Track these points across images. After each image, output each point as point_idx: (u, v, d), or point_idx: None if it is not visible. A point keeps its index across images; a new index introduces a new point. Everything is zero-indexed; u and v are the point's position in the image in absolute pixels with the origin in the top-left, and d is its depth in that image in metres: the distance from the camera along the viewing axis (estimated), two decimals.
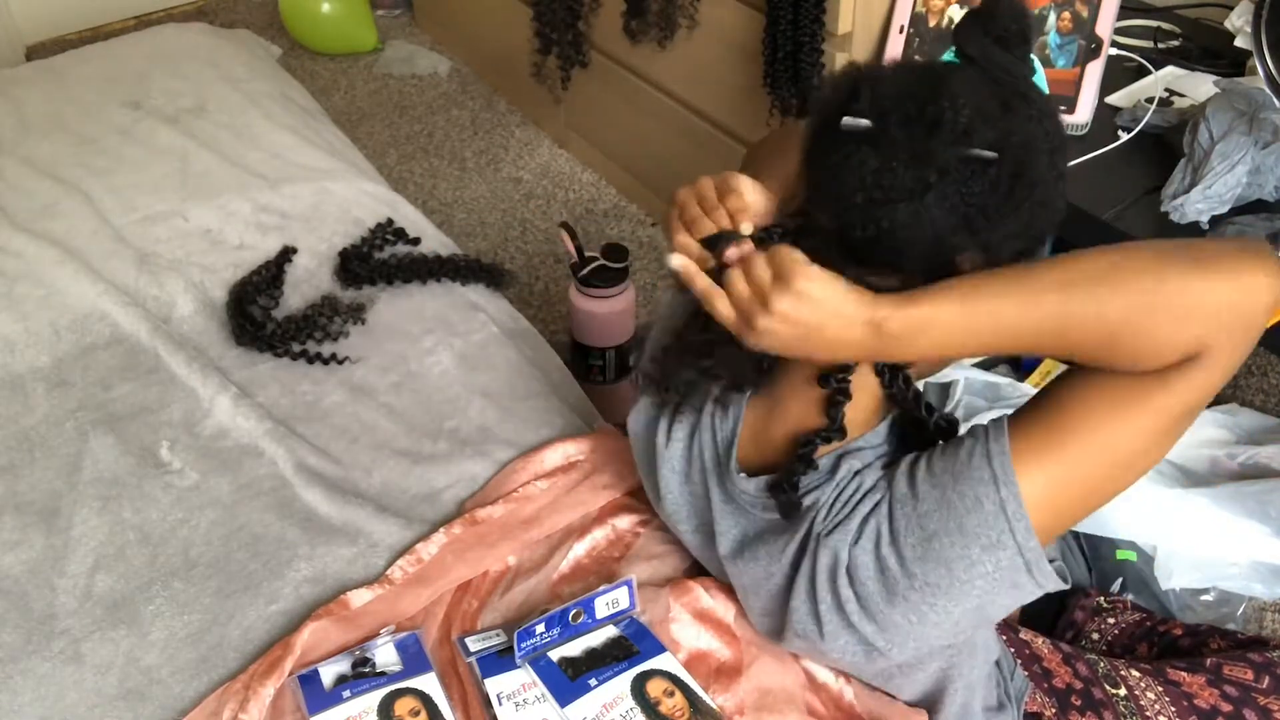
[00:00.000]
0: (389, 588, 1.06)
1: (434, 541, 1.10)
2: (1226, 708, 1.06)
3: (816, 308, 0.74)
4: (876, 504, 0.84)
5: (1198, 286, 0.71)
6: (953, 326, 0.74)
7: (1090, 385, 0.78)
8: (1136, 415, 0.77)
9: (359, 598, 1.05)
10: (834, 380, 0.84)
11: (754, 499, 0.91)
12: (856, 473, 0.86)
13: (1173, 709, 1.06)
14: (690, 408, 0.96)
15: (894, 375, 0.85)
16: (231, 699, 0.96)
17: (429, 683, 0.95)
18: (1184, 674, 1.10)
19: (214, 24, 2.67)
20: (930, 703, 0.98)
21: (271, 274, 1.48)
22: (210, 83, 1.89)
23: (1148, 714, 1.06)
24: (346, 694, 0.94)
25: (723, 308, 0.79)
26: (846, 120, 0.75)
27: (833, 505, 0.85)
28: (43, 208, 1.57)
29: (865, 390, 0.86)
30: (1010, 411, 0.83)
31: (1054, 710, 1.07)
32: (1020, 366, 1.87)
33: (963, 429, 0.86)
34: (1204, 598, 1.42)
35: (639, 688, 0.92)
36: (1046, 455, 0.78)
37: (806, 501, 0.87)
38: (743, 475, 0.91)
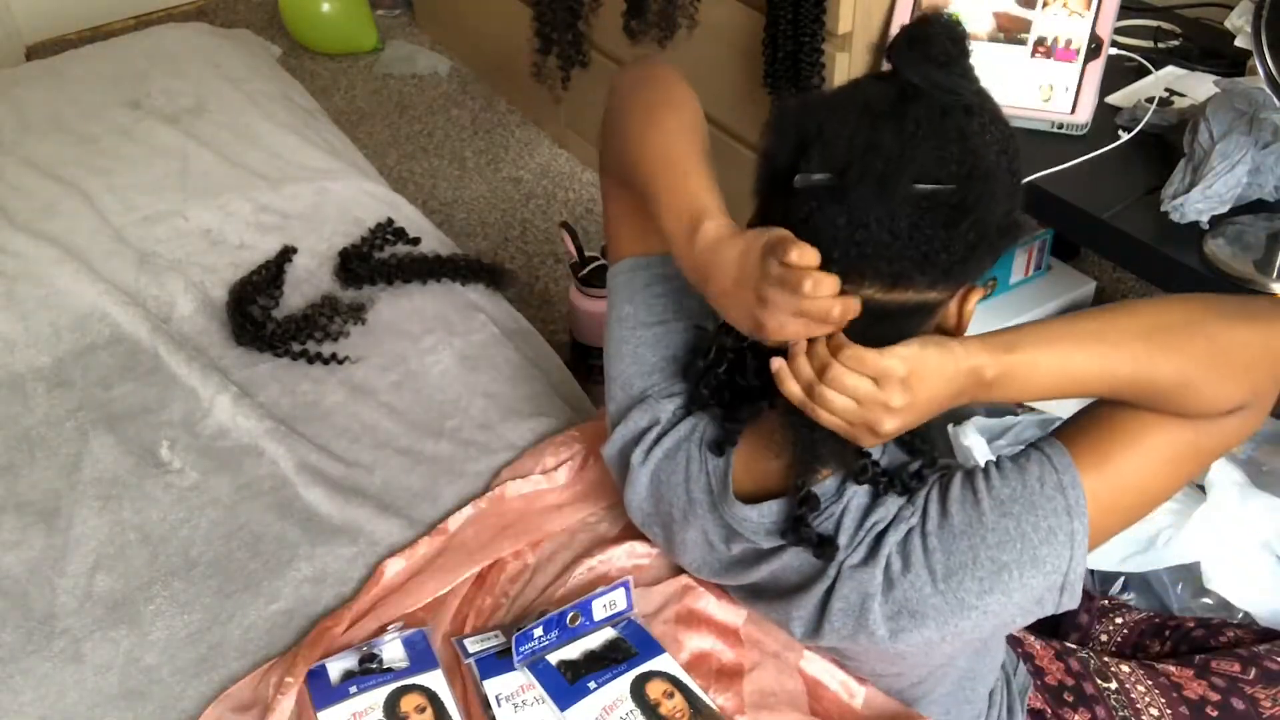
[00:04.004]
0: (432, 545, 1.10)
1: (461, 515, 1.13)
2: (1215, 697, 1.07)
3: (926, 384, 0.74)
4: (909, 533, 0.83)
5: (1258, 340, 0.78)
6: (1048, 372, 0.76)
7: (1140, 416, 0.81)
8: (1184, 455, 0.82)
9: (393, 566, 1.08)
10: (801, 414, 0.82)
11: (756, 526, 0.89)
12: (876, 492, 0.85)
13: (1162, 700, 1.07)
14: (674, 431, 0.95)
15: None
16: (278, 666, 0.98)
17: (435, 679, 0.95)
18: (1172, 668, 1.11)
19: (214, 24, 2.67)
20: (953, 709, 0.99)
21: (271, 274, 1.48)
22: (210, 83, 1.89)
23: (1138, 706, 1.07)
24: (353, 689, 0.94)
25: (831, 421, 0.77)
26: (800, 178, 0.74)
27: (855, 533, 0.85)
28: (43, 208, 1.57)
29: None
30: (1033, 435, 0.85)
31: (1048, 708, 1.08)
32: None
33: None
34: (1204, 599, 1.42)
35: (638, 689, 0.92)
36: (1095, 479, 0.81)
37: (821, 526, 0.86)
38: (740, 504, 0.89)
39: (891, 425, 0.75)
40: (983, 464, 0.85)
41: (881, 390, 0.74)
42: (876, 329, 0.76)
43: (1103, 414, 0.83)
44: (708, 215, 0.81)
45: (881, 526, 0.84)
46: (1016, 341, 0.76)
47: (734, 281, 0.77)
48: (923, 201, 0.73)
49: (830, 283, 0.73)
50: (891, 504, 0.84)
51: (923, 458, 0.87)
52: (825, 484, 0.86)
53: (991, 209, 0.75)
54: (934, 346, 0.74)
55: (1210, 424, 0.81)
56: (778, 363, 0.78)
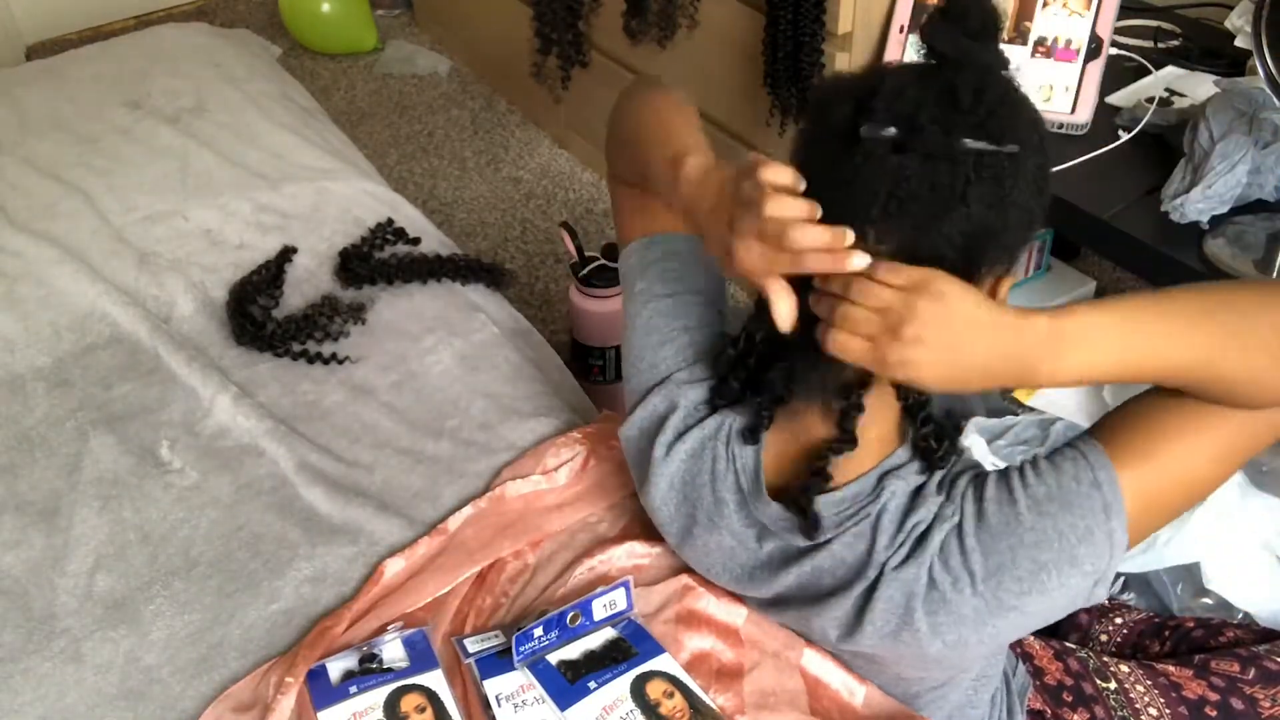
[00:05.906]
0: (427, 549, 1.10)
1: (460, 516, 1.13)
2: (1214, 697, 1.07)
3: (956, 312, 0.70)
4: (948, 533, 0.82)
5: None
6: (1108, 344, 0.72)
7: (1184, 410, 0.79)
8: (1232, 448, 0.80)
9: (393, 566, 1.08)
10: (853, 392, 0.81)
11: (786, 523, 0.88)
12: (915, 492, 0.84)
13: (1161, 700, 1.07)
14: (699, 428, 0.94)
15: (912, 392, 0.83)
16: (279, 666, 0.98)
17: (435, 679, 0.95)
18: (1171, 668, 1.11)
19: (214, 24, 2.67)
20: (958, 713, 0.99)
21: (271, 274, 1.48)
22: (210, 83, 1.89)
23: (1137, 706, 1.07)
24: (353, 689, 0.94)
25: (846, 340, 0.72)
26: (866, 128, 0.73)
27: (895, 534, 0.84)
28: (43, 208, 1.57)
29: (887, 406, 0.84)
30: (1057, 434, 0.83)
31: (1048, 708, 1.08)
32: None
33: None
34: (1204, 599, 1.42)
35: (639, 689, 0.92)
36: (1136, 476, 0.79)
37: (859, 526, 0.85)
38: (771, 501, 0.89)
39: (916, 350, 0.70)
40: (1017, 463, 0.84)
41: (912, 294, 0.69)
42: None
43: (1144, 408, 0.82)
44: (691, 153, 0.83)
45: (923, 527, 0.83)
46: (1071, 309, 0.73)
47: (711, 208, 0.77)
48: (982, 157, 0.73)
49: (799, 206, 0.70)
50: (932, 504, 0.83)
51: (945, 448, 0.85)
52: (862, 481, 0.85)
53: (1023, 180, 0.75)
54: (976, 292, 0.71)
55: (1261, 415, 0.79)
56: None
